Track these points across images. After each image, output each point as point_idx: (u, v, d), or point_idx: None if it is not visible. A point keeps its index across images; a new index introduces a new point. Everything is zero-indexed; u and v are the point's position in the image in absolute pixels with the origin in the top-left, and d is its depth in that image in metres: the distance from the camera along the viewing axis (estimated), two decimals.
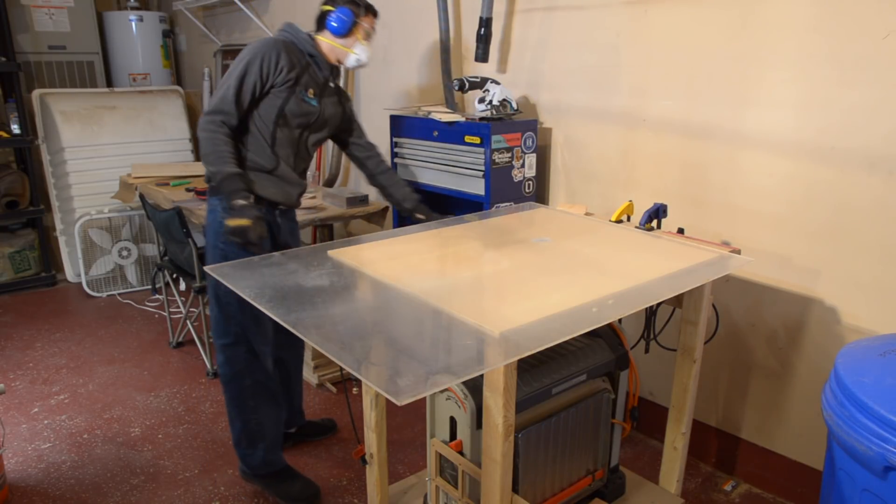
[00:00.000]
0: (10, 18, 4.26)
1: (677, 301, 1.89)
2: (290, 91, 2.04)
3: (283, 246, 2.20)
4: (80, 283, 4.27)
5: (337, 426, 2.68)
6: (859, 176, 1.89)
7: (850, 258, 1.95)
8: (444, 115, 2.61)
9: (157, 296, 4.13)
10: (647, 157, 2.40)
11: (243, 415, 2.20)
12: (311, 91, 2.10)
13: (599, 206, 2.56)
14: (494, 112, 2.52)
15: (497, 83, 2.59)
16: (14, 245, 4.36)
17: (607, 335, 1.84)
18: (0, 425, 2.41)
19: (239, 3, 4.22)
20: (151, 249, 4.33)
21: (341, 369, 1.98)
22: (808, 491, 2.16)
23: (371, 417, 1.79)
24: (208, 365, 3.21)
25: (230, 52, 4.53)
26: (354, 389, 2.95)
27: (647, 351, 2.11)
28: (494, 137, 2.44)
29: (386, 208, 3.18)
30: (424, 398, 1.42)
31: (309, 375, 3.03)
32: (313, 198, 3.26)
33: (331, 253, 1.77)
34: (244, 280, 1.59)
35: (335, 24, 2.09)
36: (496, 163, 2.48)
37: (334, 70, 2.20)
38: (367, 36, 2.16)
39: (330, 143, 2.82)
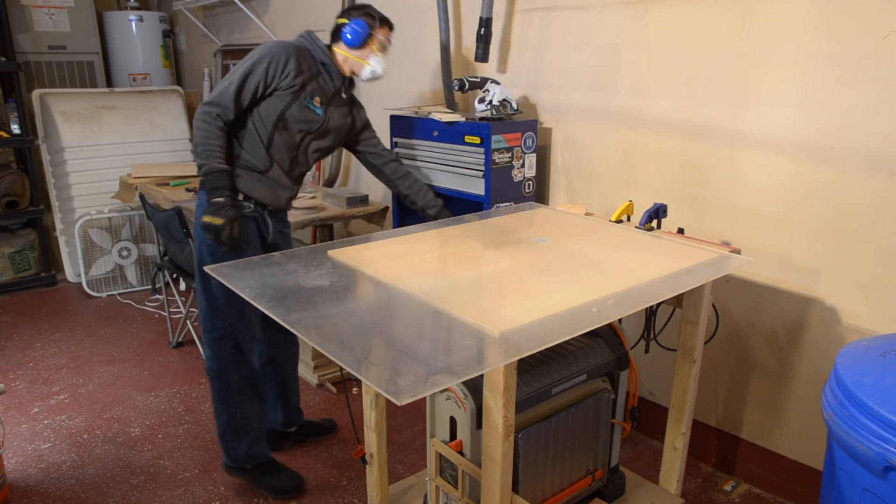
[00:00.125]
0: (10, 18, 4.26)
1: (677, 301, 1.89)
2: (294, 96, 2.05)
3: (272, 246, 2.21)
4: (81, 283, 4.27)
5: (337, 426, 2.68)
6: (859, 176, 1.89)
7: (850, 258, 1.95)
8: (444, 115, 2.61)
9: (157, 296, 4.12)
10: (647, 157, 2.40)
11: (229, 409, 2.21)
12: (317, 99, 2.11)
13: (599, 206, 2.56)
14: (494, 112, 2.52)
15: (497, 83, 2.59)
16: (14, 245, 4.36)
17: (607, 335, 1.84)
18: (0, 425, 2.41)
19: (239, 4, 4.22)
20: (151, 249, 4.33)
21: (341, 369, 1.98)
22: (808, 491, 2.16)
23: (371, 417, 1.79)
24: None
25: (230, 53, 4.54)
26: (354, 389, 2.95)
27: (647, 351, 2.11)
28: (494, 137, 2.44)
29: (386, 208, 3.18)
30: (424, 398, 1.42)
31: (309, 375, 3.03)
32: (313, 198, 3.26)
33: (331, 253, 1.77)
34: (244, 280, 1.59)
35: (350, 36, 2.11)
36: (496, 163, 2.48)
37: (348, 81, 2.21)
38: (383, 48, 2.18)
39: None
